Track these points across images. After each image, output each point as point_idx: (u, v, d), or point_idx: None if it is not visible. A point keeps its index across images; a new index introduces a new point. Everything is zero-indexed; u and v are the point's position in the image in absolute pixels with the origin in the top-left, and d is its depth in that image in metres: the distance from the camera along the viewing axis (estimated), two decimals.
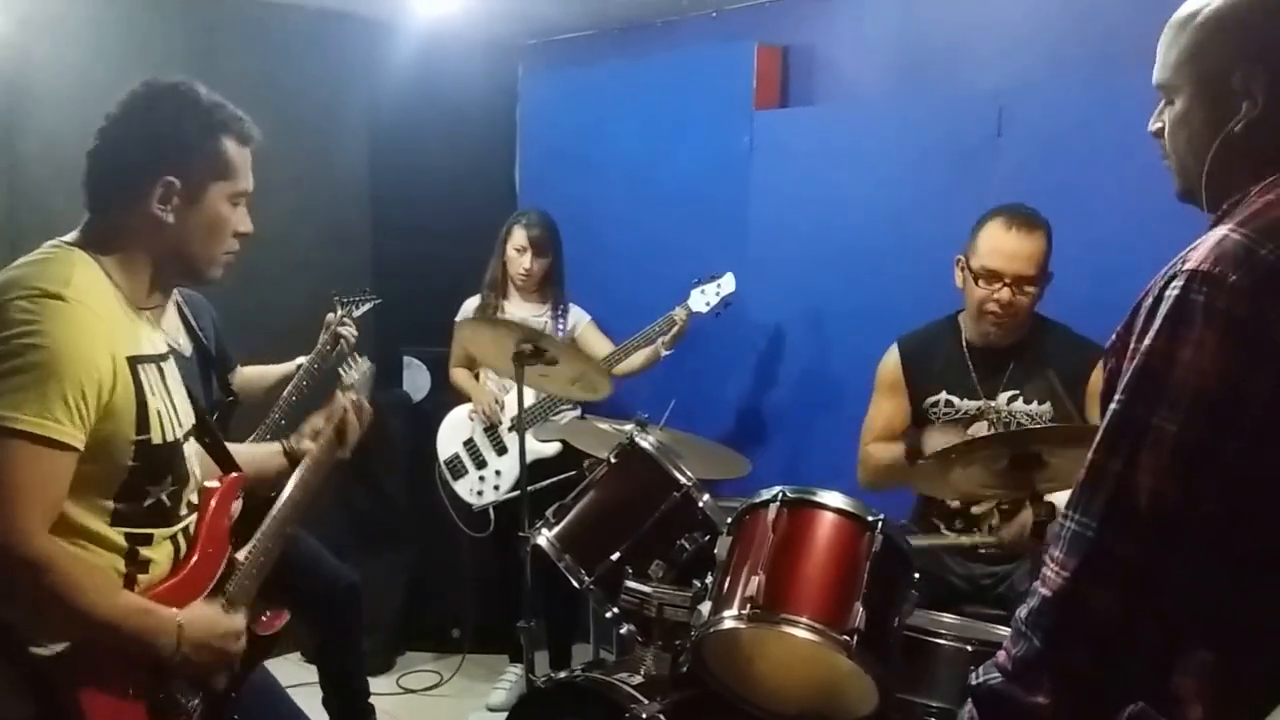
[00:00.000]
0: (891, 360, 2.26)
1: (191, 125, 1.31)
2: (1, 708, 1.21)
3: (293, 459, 1.68)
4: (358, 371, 1.83)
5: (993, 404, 2.11)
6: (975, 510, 2.16)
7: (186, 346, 2.19)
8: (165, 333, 2.12)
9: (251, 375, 2.45)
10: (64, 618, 1.20)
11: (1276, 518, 0.91)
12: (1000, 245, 2.04)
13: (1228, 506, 0.89)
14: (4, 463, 1.15)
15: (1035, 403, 2.09)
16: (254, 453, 1.69)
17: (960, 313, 2.23)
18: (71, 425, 1.18)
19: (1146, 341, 0.91)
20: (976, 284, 2.06)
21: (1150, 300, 0.94)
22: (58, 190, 2.89)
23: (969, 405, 2.14)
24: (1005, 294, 2.04)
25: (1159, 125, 1.05)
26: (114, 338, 1.25)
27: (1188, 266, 0.91)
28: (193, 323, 2.23)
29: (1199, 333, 0.88)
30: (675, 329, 2.83)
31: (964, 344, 2.17)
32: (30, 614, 1.20)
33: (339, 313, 2.30)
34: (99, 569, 1.26)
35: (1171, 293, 0.91)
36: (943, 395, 2.17)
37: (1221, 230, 0.93)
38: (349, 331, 2.27)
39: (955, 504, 2.17)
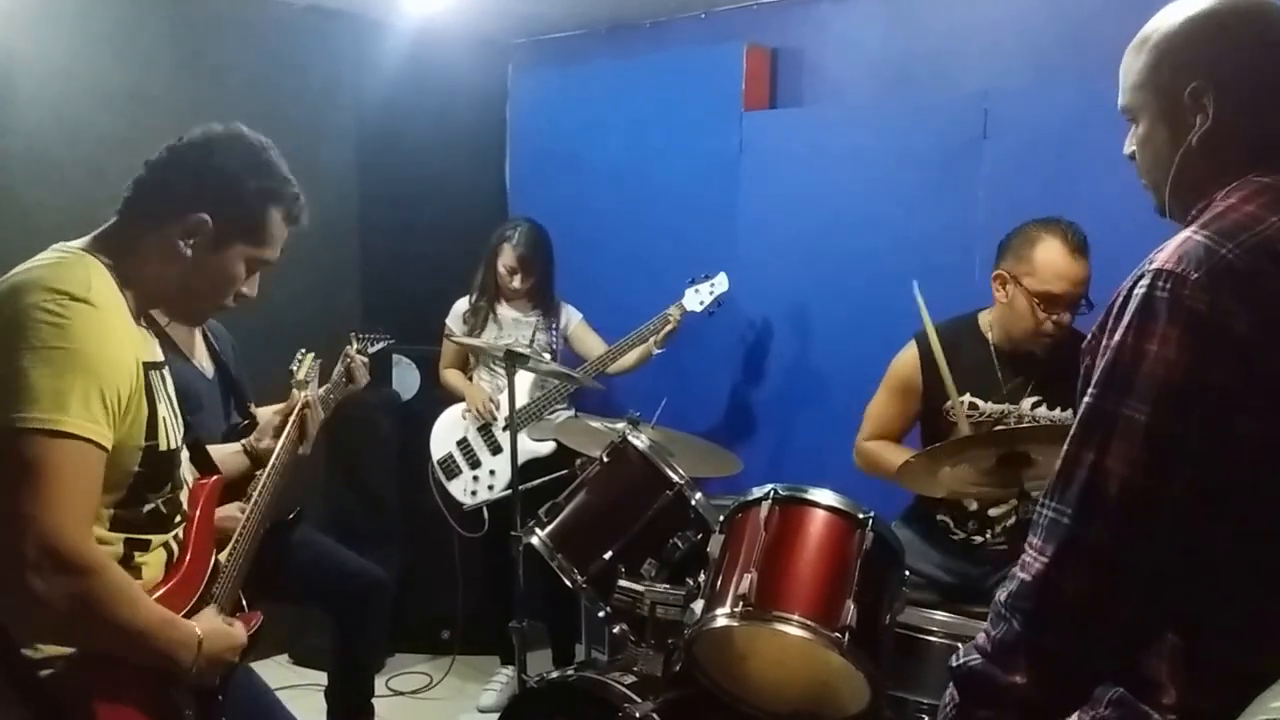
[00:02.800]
0: (909, 357, 2.20)
1: (252, 183, 1.33)
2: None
3: (254, 458, 1.75)
4: (306, 367, 1.92)
5: (1016, 408, 2.11)
6: (992, 512, 2.14)
7: (209, 370, 2.21)
8: (191, 355, 2.15)
9: (264, 414, 2.45)
10: (102, 626, 1.19)
11: (1240, 502, 0.95)
12: (1065, 271, 2.00)
13: (1195, 492, 0.93)
14: (55, 465, 1.14)
15: (1059, 409, 2.08)
16: (219, 454, 1.72)
17: (981, 313, 2.20)
18: (107, 426, 1.18)
19: (1115, 337, 0.96)
20: (1038, 308, 2.01)
21: (1119, 300, 0.99)
22: (41, 188, 2.85)
23: (992, 408, 2.12)
24: (1066, 317, 2.02)
25: (1132, 149, 1.10)
26: (134, 342, 1.26)
27: (1153, 266, 0.96)
28: (216, 347, 2.25)
29: (1163, 327, 0.93)
30: (668, 328, 2.84)
31: (991, 347, 2.14)
32: (67, 620, 1.17)
33: (354, 347, 2.34)
34: (132, 580, 1.25)
35: (1138, 291, 0.96)
36: (966, 397, 2.12)
37: (1186, 232, 0.98)
38: (360, 367, 2.30)
39: (973, 506, 2.14)
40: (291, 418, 1.78)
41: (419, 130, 3.49)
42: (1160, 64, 1.04)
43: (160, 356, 1.37)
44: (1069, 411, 2.07)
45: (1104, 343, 0.98)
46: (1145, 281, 0.96)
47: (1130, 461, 0.93)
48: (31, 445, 1.13)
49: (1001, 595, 1.01)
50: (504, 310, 3.04)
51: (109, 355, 1.20)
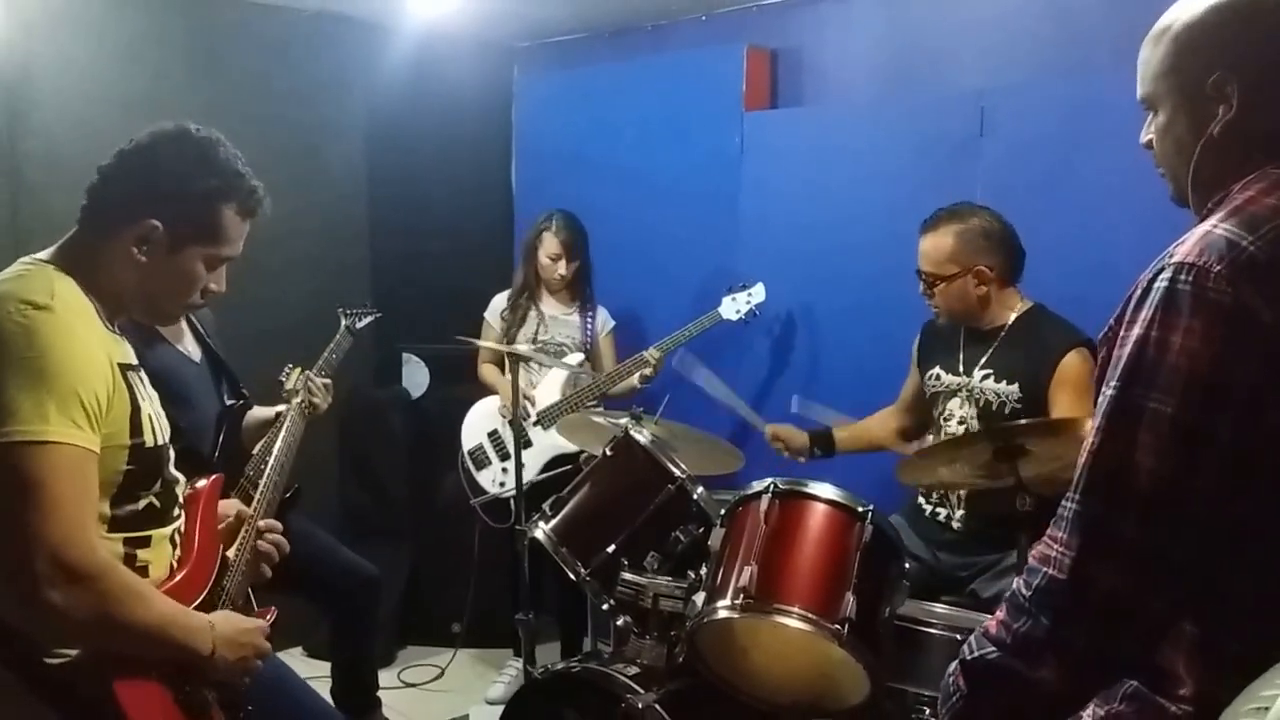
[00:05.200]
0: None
1: (197, 185, 1.31)
2: None
3: None
4: (295, 378, 2.09)
5: (969, 380, 2.23)
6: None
7: (196, 353, 2.20)
8: (177, 342, 2.16)
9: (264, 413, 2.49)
10: (121, 626, 1.20)
11: (1266, 493, 0.94)
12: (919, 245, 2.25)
13: (1222, 482, 0.92)
14: (45, 476, 1.14)
15: (1004, 382, 2.18)
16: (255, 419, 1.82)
17: None
18: (91, 429, 1.18)
19: (1137, 330, 0.95)
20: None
21: (1139, 292, 0.97)
22: (59, 190, 2.90)
23: (950, 380, 2.27)
24: (921, 287, 2.25)
25: (1149, 137, 1.09)
26: (105, 344, 1.26)
27: (1174, 259, 0.95)
28: (200, 329, 2.25)
29: (1187, 320, 0.92)
30: (646, 370, 2.89)
31: (961, 328, 2.30)
32: (88, 626, 1.18)
33: (342, 324, 2.38)
34: (140, 577, 1.27)
35: (1160, 284, 0.95)
36: (937, 369, 2.31)
37: (1206, 225, 0.97)
38: (344, 344, 2.38)
39: None
40: (287, 413, 1.89)
41: (427, 133, 3.53)
42: (1182, 54, 1.03)
43: (134, 359, 1.36)
44: (1015, 385, 2.16)
45: (1121, 334, 0.98)
46: (1166, 275, 0.94)
47: (1158, 454, 0.92)
48: (19, 459, 1.13)
49: (1023, 589, 0.98)
50: (545, 307, 3.06)
51: (80, 359, 1.19)
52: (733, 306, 2.93)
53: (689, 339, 2.94)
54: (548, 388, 3.00)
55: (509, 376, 3.06)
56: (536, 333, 3.02)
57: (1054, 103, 2.44)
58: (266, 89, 3.21)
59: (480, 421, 3.05)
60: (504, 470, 2.99)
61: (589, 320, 3.08)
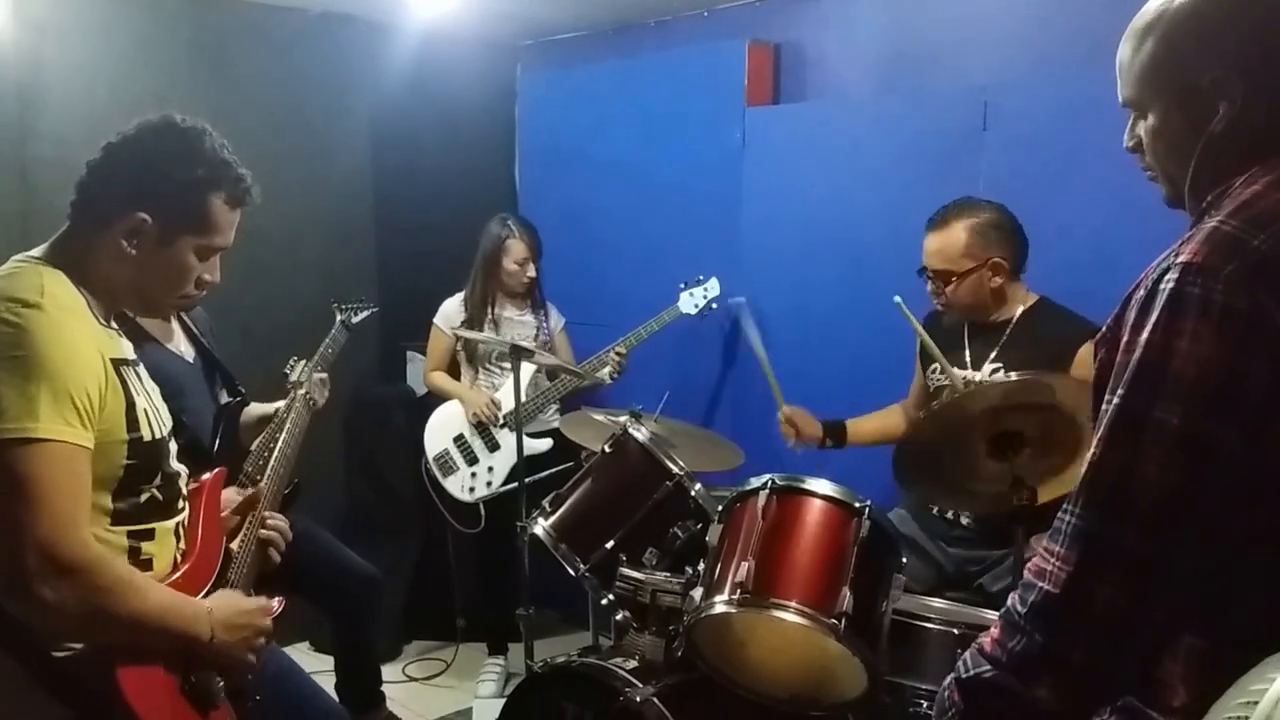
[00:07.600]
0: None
1: (182, 175, 1.30)
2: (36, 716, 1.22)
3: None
4: (299, 370, 2.12)
5: (976, 375, 2.22)
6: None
7: (189, 353, 2.21)
8: (167, 342, 2.17)
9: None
10: (116, 619, 1.21)
11: (1274, 502, 0.91)
12: (924, 243, 2.23)
13: (1229, 493, 0.89)
14: (36, 473, 1.15)
15: (1014, 375, 2.15)
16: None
17: None
18: (83, 426, 1.19)
19: (1143, 335, 0.90)
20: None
21: (1142, 293, 0.93)
22: (69, 191, 2.94)
23: (957, 373, 2.26)
24: (929, 286, 2.23)
25: (1134, 141, 1.04)
26: (97, 341, 1.26)
27: (1180, 259, 0.90)
28: (194, 329, 2.25)
29: (1195, 324, 0.88)
30: (608, 368, 2.94)
31: (965, 322, 2.30)
32: (83, 620, 1.20)
33: (337, 319, 2.39)
34: (135, 569, 1.28)
35: (1166, 285, 0.90)
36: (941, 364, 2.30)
37: (1211, 223, 0.92)
38: (340, 338, 2.41)
39: None
40: (291, 404, 1.92)
41: (431, 132, 3.55)
42: (1173, 51, 0.97)
43: (130, 354, 1.36)
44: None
45: (1125, 338, 0.93)
46: (1173, 275, 0.90)
47: (1162, 465, 0.88)
48: (8, 456, 1.15)
49: (1018, 605, 0.95)
50: (501, 311, 3.10)
51: (70, 356, 1.19)
52: (690, 301, 3.00)
53: (650, 334, 2.99)
54: (510, 390, 3.02)
55: (465, 380, 3.09)
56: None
57: (1057, 97, 2.43)
58: (273, 89, 3.24)
59: (444, 427, 3.06)
60: (473, 475, 3.00)
61: (543, 320, 3.11)
